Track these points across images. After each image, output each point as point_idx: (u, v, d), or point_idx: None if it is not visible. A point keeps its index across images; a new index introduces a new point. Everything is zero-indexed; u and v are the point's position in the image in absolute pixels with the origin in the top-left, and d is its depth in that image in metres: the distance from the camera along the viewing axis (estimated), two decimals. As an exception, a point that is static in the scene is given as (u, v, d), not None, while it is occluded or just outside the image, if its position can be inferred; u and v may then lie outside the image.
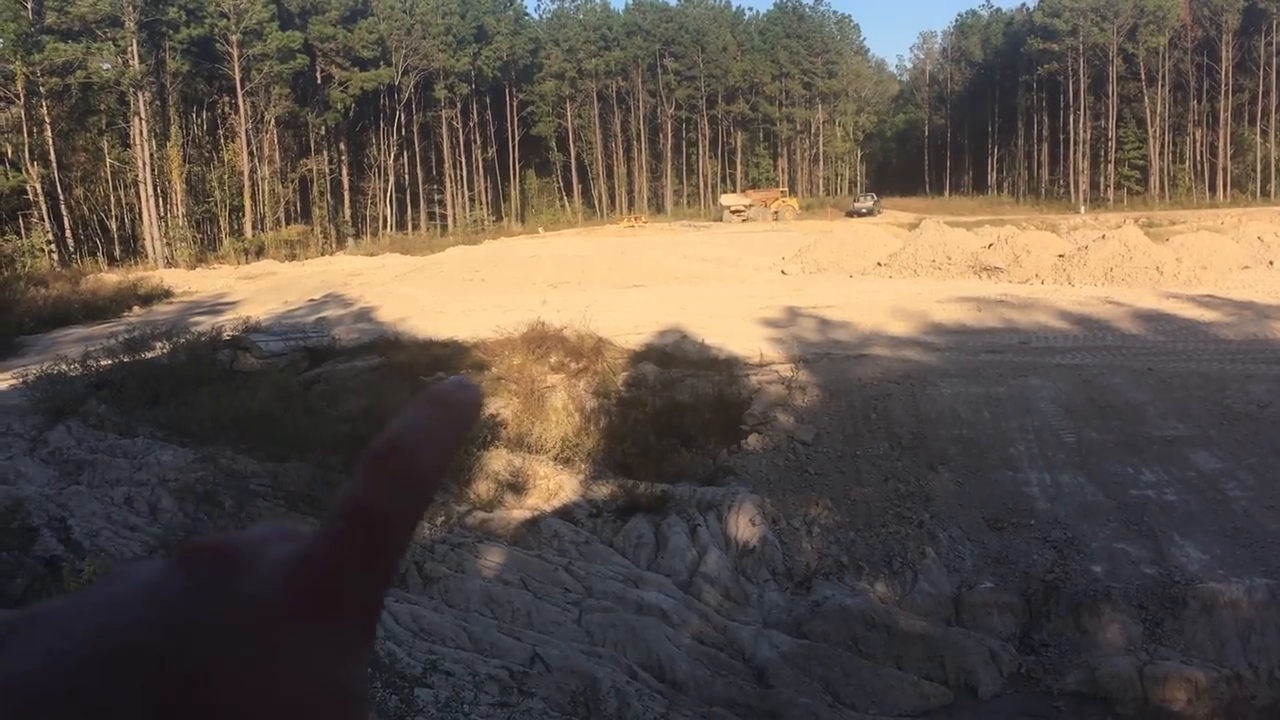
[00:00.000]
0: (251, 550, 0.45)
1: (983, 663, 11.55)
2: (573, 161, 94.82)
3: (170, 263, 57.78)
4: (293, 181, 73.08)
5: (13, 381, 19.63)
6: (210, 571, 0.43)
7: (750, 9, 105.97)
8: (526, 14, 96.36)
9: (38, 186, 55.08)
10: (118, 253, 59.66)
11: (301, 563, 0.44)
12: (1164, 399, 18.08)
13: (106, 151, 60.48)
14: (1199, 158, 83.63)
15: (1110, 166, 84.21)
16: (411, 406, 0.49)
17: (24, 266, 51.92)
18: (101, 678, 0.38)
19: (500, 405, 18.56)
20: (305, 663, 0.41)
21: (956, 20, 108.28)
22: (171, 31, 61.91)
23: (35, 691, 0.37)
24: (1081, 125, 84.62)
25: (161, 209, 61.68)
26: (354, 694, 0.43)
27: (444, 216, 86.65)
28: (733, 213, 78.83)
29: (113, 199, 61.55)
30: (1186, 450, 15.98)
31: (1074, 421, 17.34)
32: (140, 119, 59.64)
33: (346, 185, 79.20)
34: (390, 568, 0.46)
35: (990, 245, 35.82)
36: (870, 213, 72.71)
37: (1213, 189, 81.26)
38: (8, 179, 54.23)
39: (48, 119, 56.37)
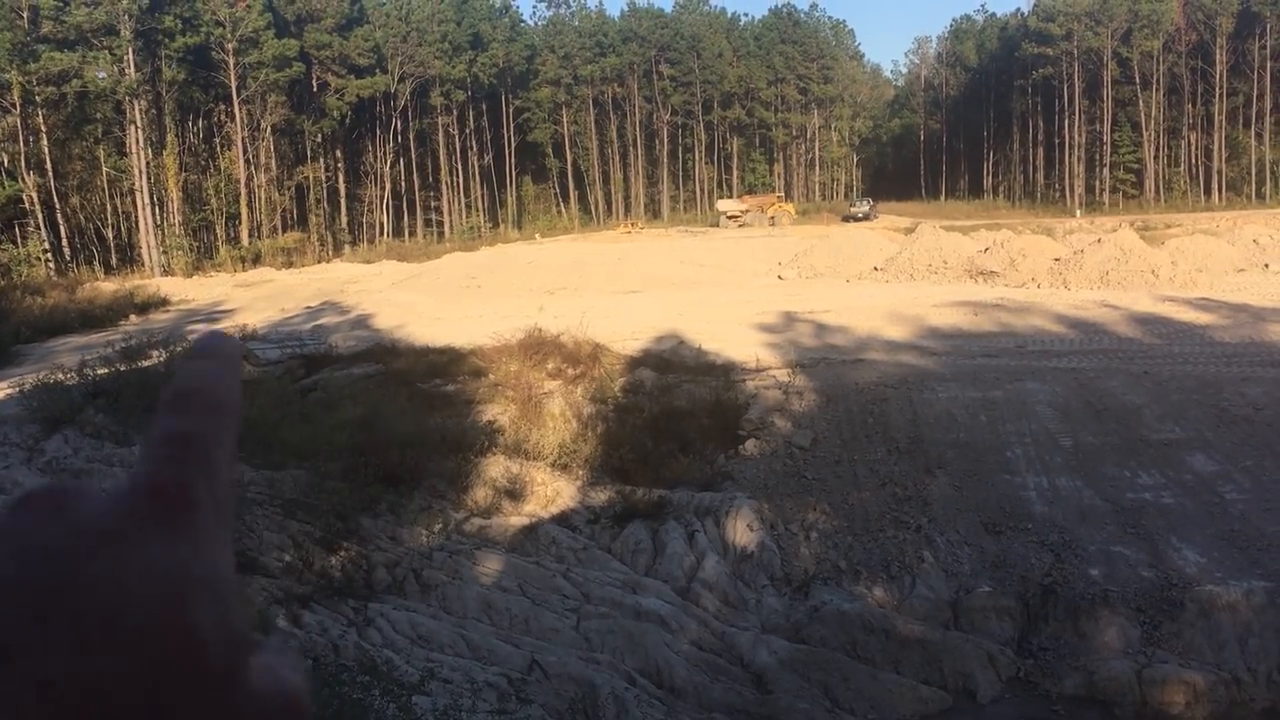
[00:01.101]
0: (82, 487, 0.48)
1: (981, 667, 11.56)
2: (569, 167, 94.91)
3: (167, 271, 57.78)
4: (289, 189, 73.11)
5: (9, 391, 19.60)
6: (47, 509, 0.46)
7: (745, 15, 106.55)
8: (522, 21, 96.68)
9: (34, 195, 55.07)
10: (114, 261, 59.62)
11: (133, 485, 0.47)
12: (1160, 402, 18.11)
13: (103, 160, 60.46)
14: (1194, 161, 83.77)
15: (1105, 170, 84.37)
16: (184, 359, 0.55)
17: (20, 275, 51.84)
18: None
19: (498, 411, 18.57)
20: (155, 561, 0.44)
21: (951, 25, 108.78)
22: (167, 40, 61.92)
23: None
24: (1076, 129, 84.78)
25: (158, 217, 61.67)
26: (213, 583, 0.46)
27: (440, 223, 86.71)
28: (729, 218, 78.92)
29: (109, 207, 61.53)
30: (1183, 453, 16.00)
31: (1071, 425, 17.36)
32: (136, 127, 59.64)
33: (343, 192, 79.24)
34: (218, 481, 0.50)
35: (986, 249, 35.92)
36: (866, 217, 72.75)
37: (1208, 192, 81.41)
38: (4, 188, 54.20)
39: (44, 128, 56.36)
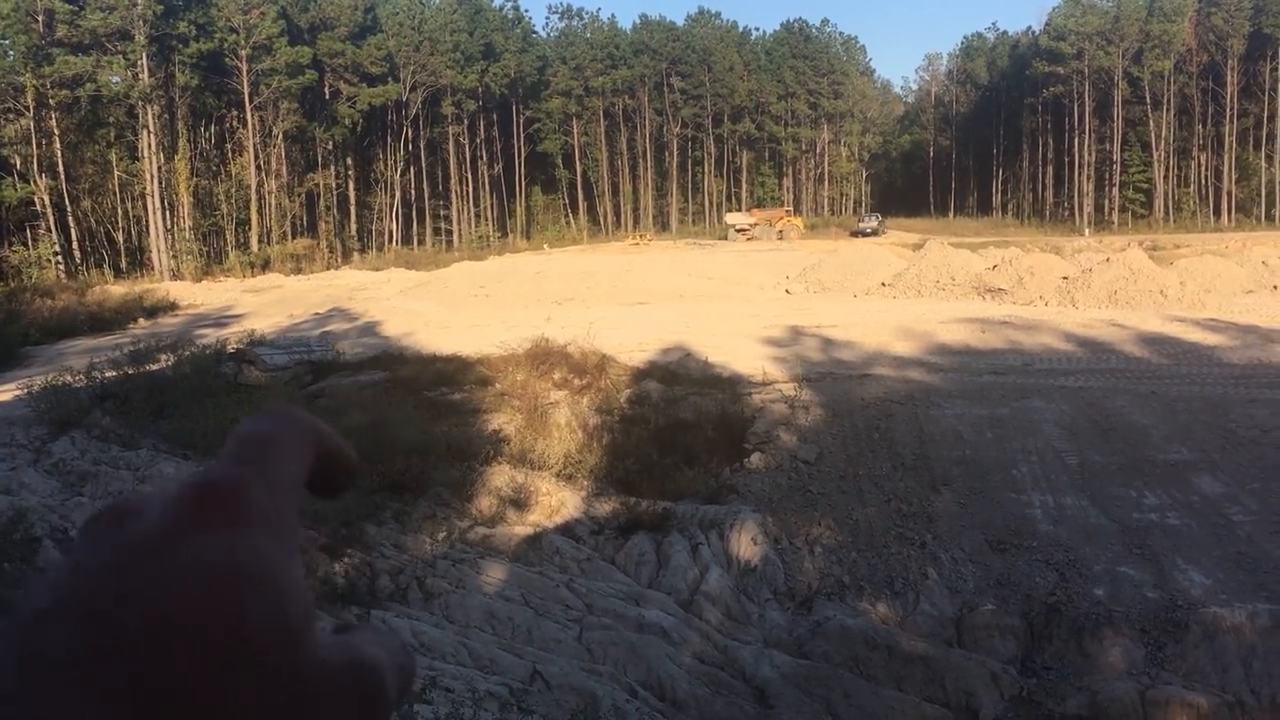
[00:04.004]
0: (142, 499, 0.49)
1: (984, 685, 11.51)
2: (578, 178, 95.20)
3: (176, 275, 58.00)
4: (299, 195, 73.42)
5: (17, 392, 19.65)
6: (105, 528, 0.47)
7: (757, 29, 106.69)
8: (534, 32, 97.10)
9: (45, 198, 55.38)
10: (124, 265, 59.91)
11: (186, 486, 0.48)
12: (1167, 422, 18.06)
13: (114, 164, 60.77)
14: (1204, 182, 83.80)
15: (1115, 190, 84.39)
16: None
17: (30, 277, 52.12)
18: (45, 638, 0.42)
19: (503, 421, 18.57)
20: (200, 559, 0.44)
21: (962, 42, 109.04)
22: (181, 46, 62.30)
23: None
24: (1086, 148, 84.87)
25: (168, 221, 61.96)
26: (262, 575, 0.46)
27: (450, 232, 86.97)
28: (738, 231, 79.08)
29: (120, 211, 61.83)
30: (1190, 474, 15.95)
31: (1077, 444, 17.32)
32: (149, 132, 59.96)
33: (353, 200, 79.52)
34: (289, 482, 0.52)
35: (994, 267, 35.89)
36: (875, 233, 72.88)
37: (1217, 213, 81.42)
38: (16, 190, 54.50)
39: (57, 131, 56.70)
